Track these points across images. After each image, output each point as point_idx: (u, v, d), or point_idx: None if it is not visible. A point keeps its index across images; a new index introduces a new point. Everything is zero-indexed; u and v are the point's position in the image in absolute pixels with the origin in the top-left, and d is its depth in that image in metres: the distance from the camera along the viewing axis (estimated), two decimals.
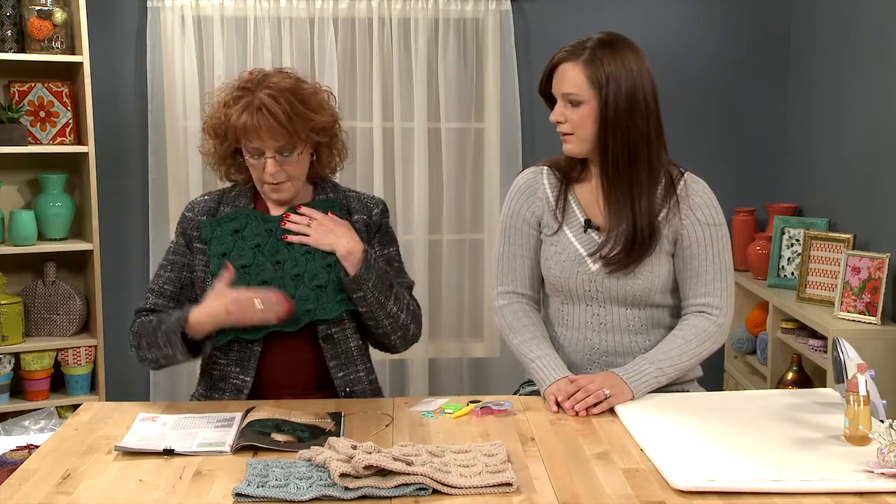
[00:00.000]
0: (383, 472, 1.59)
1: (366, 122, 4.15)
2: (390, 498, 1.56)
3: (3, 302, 3.66)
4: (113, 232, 4.05)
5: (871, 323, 3.26)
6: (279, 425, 1.86)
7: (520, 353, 2.20)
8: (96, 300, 3.77)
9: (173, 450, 1.77)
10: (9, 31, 3.66)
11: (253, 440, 1.79)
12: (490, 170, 4.24)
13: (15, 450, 2.59)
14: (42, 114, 3.78)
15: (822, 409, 1.96)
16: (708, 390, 2.24)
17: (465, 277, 4.28)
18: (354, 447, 1.65)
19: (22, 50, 3.70)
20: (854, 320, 3.31)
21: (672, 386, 2.16)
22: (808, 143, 4.09)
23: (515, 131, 4.19)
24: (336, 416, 1.95)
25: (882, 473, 1.60)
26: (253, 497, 1.56)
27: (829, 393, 2.08)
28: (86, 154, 3.74)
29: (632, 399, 2.03)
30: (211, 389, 2.20)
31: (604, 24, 2.50)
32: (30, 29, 3.66)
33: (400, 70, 4.12)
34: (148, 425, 1.92)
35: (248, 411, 1.96)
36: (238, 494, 1.57)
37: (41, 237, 3.78)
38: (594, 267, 2.17)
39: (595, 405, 1.99)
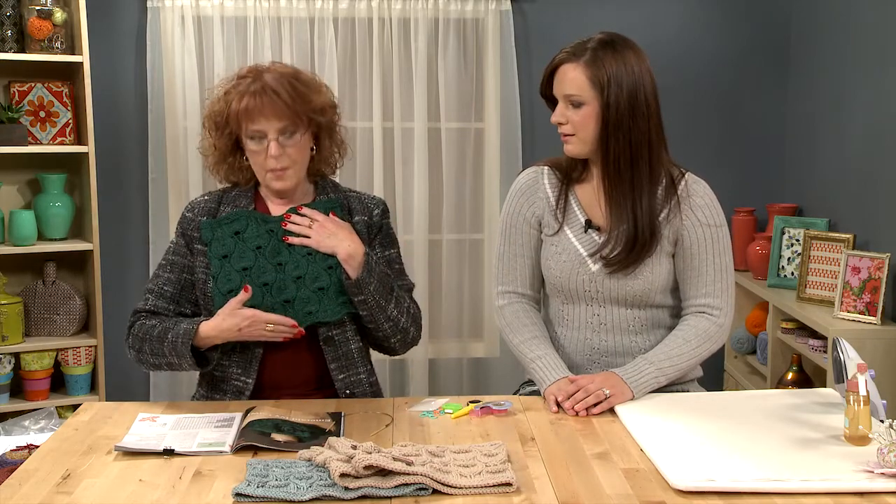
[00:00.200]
0: (383, 472, 1.59)
1: (366, 122, 4.15)
2: (390, 498, 1.56)
3: (3, 302, 3.66)
4: (113, 232, 4.05)
5: (871, 323, 3.26)
6: (279, 425, 1.86)
7: (520, 352, 2.20)
8: (96, 300, 3.77)
9: (173, 450, 1.77)
10: (9, 31, 3.66)
11: (253, 440, 1.79)
12: (490, 170, 4.24)
13: (15, 450, 2.60)
14: (42, 114, 3.78)
15: (822, 409, 1.96)
16: (708, 390, 2.24)
17: (465, 277, 4.28)
18: (354, 447, 1.65)
19: (22, 50, 3.70)
20: (854, 320, 3.31)
21: (672, 386, 2.16)
22: (808, 143, 4.09)
23: (515, 131, 4.19)
24: (336, 416, 1.95)
25: (882, 473, 1.60)
26: (253, 497, 1.56)
27: (829, 393, 2.08)
28: (86, 154, 3.74)
29: (632, 399, 2.03)
30: (212, 391, 2.20)
31: (604, 24, 2.50)
32: (30, 29, 3.66)
33: (400, 70, 4.12)
34: (148, 425, 1.92)
35: (248, 411, 1.96)
36: (238, 494, 1.57)
37: (41, 237, 3.78)
38: (594, 267, 2.17)
39: (595, 405, 1.99)
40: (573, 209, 2.22)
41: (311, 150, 2.21)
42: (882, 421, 1.84)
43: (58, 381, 3.84)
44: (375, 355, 2.30)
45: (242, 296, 2.07)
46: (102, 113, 3.93)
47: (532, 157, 4.06)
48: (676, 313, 2.23)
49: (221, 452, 1.77)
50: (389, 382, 4.19)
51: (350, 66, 4.13)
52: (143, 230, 4.11)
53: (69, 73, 3.82)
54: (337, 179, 2.38)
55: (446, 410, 2.01)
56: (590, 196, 2.21)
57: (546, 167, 2.28)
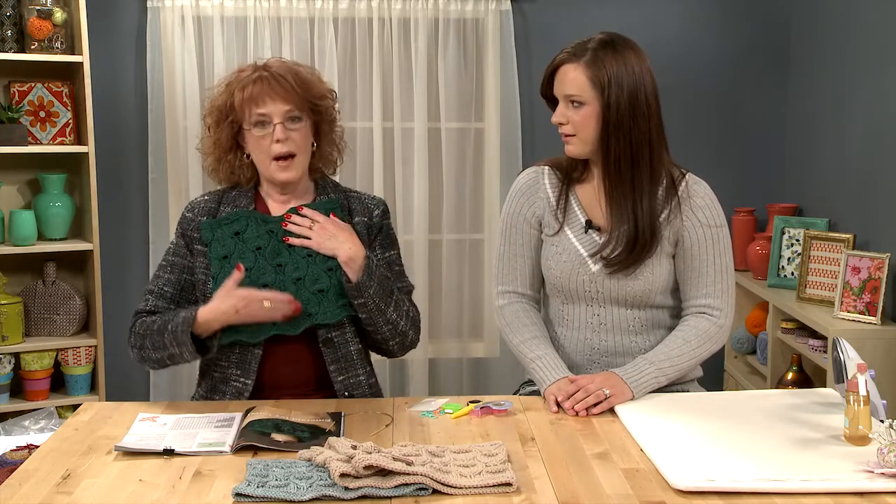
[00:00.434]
0: (383, 472, 1.59)
1: (366, 122, 4.15)
2: (390, 498, 1.56)
3: (3, 302, 3.66)
4: (113, 232, 4.05)
5: (871, 323, 3.26)
6: (279, 425, 1.86)
7: (520, 352, 2.20)
8: (96, 300, 3.77)
9: (173, 450, 1.77)
10: (9, 31, 3.66)
11: (253, 440, 1.79)
12: (490, 170, 4.24)
13: (15, 450, 2.59)
14: (42, 114, 3.78)
15: (822, 409, 1.96)
16: (708, 390, 2.24)
17: (465, 277, 4.28)
18: (354, 447, 1.65)
19: (22, 50, 3.69)
20: (854, 320, 3.31)
21: (672, 386, 2.15)
22: (808, 143, 4.09)
23: (515, 131, 4.19)
24: (336, 416, 1.95)
25: (882, 473, 1.60)
26: (253, 497, 1.56)
27: (829, 393, 2.08)
28: (86, 154, 3.74)
29: (632, 399, 2.03)
30: (211, 391, 2.19)
31: (604, 24, 2.50)
32: (30, 29, 3.66)
33: (400, 70, 4.12)
34: (148, 425, 1.92)
35: (248, 411, 1.96)
36: (238, 494, 1.57)
37: (41, 237, 3.77)
38: (595, 267, 2.17)
39: (595, 405, 1.99)
40: (573, 209, 2.21)
41: (312, 145, 2.21)
42: (882, 421, 1.84)
43: (58, 381, 3.84)
44: (375, 355, 2.30)
45: (237, 275, 2.07)
46: (102, 113, 3.93)
47: (532, 157, 4.06)
48: (676, 314, 2.23)
49: (221, 452, 1.77)
50: (389, 382, 4.19)
51: (350, 66, 4.13)
52: (143, 230, 4.11)
53: (69, 73, 3.82)
54: (337, 179, 2.38)
55: (446, 410, 2.01)
56: (590, 196, 2.21)
57: (546, 167, 2.28)
